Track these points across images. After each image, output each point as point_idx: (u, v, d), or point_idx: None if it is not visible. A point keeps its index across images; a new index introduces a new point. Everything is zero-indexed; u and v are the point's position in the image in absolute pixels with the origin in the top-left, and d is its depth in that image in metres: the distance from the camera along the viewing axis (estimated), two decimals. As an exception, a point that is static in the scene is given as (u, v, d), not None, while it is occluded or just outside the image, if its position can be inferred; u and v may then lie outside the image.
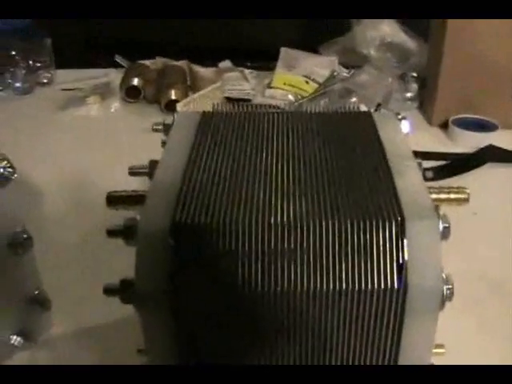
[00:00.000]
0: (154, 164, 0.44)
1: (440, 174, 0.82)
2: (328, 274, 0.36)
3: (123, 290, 0.37)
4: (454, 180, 0.81)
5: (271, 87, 1.05)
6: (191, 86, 1.07)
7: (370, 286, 0.35)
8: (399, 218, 0.36)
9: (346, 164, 0.42)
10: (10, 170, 0.50)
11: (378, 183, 0.40)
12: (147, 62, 1.13)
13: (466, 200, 0.43)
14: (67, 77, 1.10)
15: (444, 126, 0.97)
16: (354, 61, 1.10)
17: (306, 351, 0.38)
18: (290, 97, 1.01)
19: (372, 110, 0.50)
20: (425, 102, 1.02)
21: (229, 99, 1.03)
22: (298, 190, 0.39)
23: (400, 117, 0.49)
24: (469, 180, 0.82)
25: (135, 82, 1.06)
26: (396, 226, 0.36)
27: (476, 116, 0.95)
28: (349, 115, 0.50)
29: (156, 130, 0.49)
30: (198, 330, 0.37)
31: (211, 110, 0.50)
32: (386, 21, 1.08)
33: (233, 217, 0.36)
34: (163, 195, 0.38)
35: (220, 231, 0.36)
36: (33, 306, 0.55)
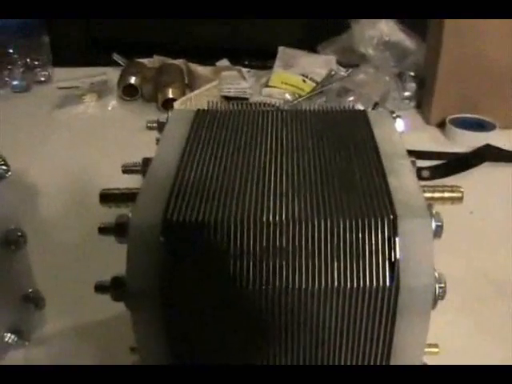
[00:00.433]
0: (147, 162, 0.44)
1: (437, 173, 0.82)
2: (320, 271, 0.36)
3: (114, 288, 0.37)
4: (450, 179, 0.81)
5: (268, 86, 1.05)
6: (188, 84, 1.07)
7: (362, 284, 0.35)
8: (391, 217, 0.36)
9: (339, 162, 0.42)
10: (4, 167, 0.50)
11: (371, 181, 0.39)
12: (145, 61, 1.13)
13: (460, 199, 0.43)
14: (65, 75, 1.10)
15: (441, 125, 0.97)
16: (351, 60, 1.10)
17: (298, 349, 0.38)
18: (288, 96, 1.01)
19: (369, 109, 0.50)
20: (422, 102, 1.02)
21: (226, 98, 1.03)
22: (291, 188, 0.39)
23: (395, 115, 0.49)
24: (466, 179, 0.81)
25: (132, 80, 1.06)
26: (388, 224, 0.36)
27: (473, 115, 0.95)
28: (344, 113, 0.50)
29: (150, 128, 0.49)
30: (188, 327, 0.37)
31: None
32: (384, 20, 1.08)
33: (225, 214, 0.36)
34: (155, 192, 0.38)
35: (212, 228, 0.36)
36: (26, 304, 0.55)
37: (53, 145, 0.92)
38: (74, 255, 0.67)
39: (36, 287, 0.55)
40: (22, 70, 1.11)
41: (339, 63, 1.11)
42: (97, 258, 0.63)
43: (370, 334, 0.37)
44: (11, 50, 1.10)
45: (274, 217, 0.36)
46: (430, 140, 0.94)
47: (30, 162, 0.83)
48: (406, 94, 1.02)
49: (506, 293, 0.62)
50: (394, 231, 0.36)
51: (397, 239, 0.36)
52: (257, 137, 0.45)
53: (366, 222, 0.36)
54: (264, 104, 0.52)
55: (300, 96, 1.01)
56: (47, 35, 1.13)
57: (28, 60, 1.12)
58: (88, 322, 0.58)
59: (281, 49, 1.14)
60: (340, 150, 0.44)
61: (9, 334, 0.54)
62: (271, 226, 0.36)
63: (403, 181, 0.40)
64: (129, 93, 1.06)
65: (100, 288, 0.38)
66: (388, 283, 0.35)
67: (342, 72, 1.06)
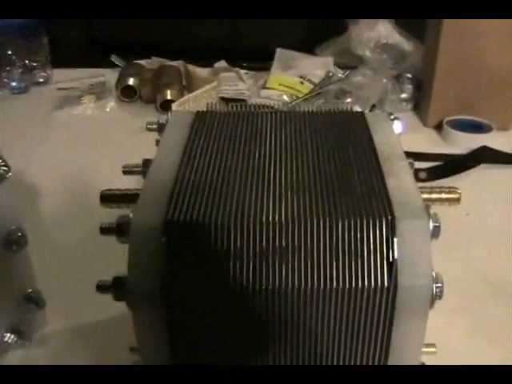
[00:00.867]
0: (147, 163, 0.44)
1: (434, 174, 0.82)
2: (319, 271, 0.36)
3: (116, 288, 0.37)
4: (447, 181, 0.81)
5: (266, 88, 1.05)
6: (187, 86, 1.07)
7: (360, 284, 0.36)
8: (390, 217, 0.36)
9: (337, 163, 0.42)
10: (4, 168, 0.50)
11: (369, 182, 0.40)
12: (143, 62, 1.13)
13: (458, 200, 0.43)
14: (63, 76, 1.10)
15: (439, 127, 0.97)
16: (349, 62, 1.10)
17: (297, 349, 0.38)
18: (285, 97, 1.02)
19: (367, 111, 0.51)
20: (420, 104, 1.02)
21: (224, 99, 1.03)
22: (290, 189, 0.39)
23: (392, 117, 0.49)
24: (462, 181, 0.82)
25: (131, 81, 1.06)
26: (386, 224, 0.36)
27: (470, 117, 0.95)
28: (342, 115, 0.50)
29: (150, 129, 0.49)
30: (189, 327, 0.38)
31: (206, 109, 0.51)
32: (382, 22, 1.08)
33: (225, 214, 0.37)
34: (156, 193, 0.39)
35: (212, 229, 0.36)
36: (27, 304, 0.55)
37: (52, 146, 0.93)
38: (74, 255, 0.67)
39: (36, 287, 0.56)
40: (20, 71, 1.10)
41: (337, 65, 1.11)
42: (97, 258, 0.63)
43: (368, 334, 0.37)
44: (10, 51, 1.10)
45: (274, 217, 0.37)
46: (428, 142, 0.94)
47: (28, 162, 0.83)
48: (404, 95, 1.03)
49: (502, 293, 0.62)
50: (392, 231, 0.36)
51: (395, 239, 0.36)
52: (256, 138, 0.46)
53: (365, 223, 0.36)
54: (262, 106, 0.52)
55: (298, 98, 1.01)
56: (46, 36, 1.13)
57: (27, 61, 1.12)
58: (88, 322, 0.58)
59: (278, 50, 1.14)
60: (338, 151, 0.44)
61: (9, 334, 0.54)
62: (271, 225, 0.36)
63: (401, 182, 0.40)
64: (127, 94, 1.06)
65: (102, 288, 0.38)
66: (386, 283, 0.36)
67: (340, 74, 1.06)
